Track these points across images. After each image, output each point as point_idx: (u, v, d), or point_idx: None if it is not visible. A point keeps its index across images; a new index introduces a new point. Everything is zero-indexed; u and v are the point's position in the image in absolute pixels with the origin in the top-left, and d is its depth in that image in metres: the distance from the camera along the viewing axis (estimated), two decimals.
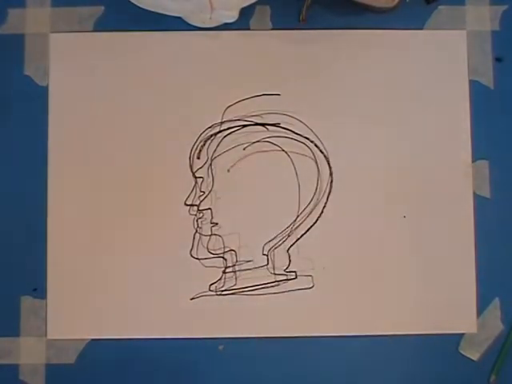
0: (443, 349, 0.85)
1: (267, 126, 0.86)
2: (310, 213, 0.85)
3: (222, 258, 0.85)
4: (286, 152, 0.86)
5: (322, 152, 0.86)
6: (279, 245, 0.85)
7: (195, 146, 0.86)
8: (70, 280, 0.85)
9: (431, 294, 0.85)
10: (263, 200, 0.85)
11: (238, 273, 0.85)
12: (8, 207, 0.86)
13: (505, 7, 0.89)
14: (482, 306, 0.85)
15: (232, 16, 0.84)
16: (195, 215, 0.85)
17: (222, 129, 0.86)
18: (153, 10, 0.84)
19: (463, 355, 0.85)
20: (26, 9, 0.88)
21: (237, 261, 0.85)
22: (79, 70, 0.88)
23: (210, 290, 0.85)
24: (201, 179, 0.86)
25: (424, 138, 0.87)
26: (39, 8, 0.88)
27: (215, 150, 0.86)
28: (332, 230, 0.86)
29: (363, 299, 0.85)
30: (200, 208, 0.85)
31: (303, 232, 0.85)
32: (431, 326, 0.85)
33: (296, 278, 0.85)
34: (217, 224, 0.85)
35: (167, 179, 0.86)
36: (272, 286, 0.85)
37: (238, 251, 0.85)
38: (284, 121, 0.86)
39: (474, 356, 0.85)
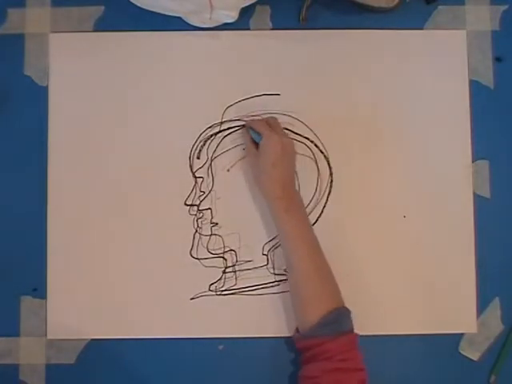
0: (443, 349, 0.85)
1: None
2: (310, 213, 0.85)
3: (222, 257, 0.85)
4: None
5: (322, 152, 0.86)
6: (279, 245, 0.85)
7: (195, 146, 0.86)
8: (70, 280, 0.85)
9: (431, 294, 0.85)
10: (263, 200, 0.85)
11: (238, 273, 0.85)
12: (8, 208, 0.86)
13: (505, 7, 0.89)
14: (482, 306, 0.85)
15: (232, 16, 0.84)
16: (195, 215, 0.85)
17: (221, 129, 0.86)
18: (153, 9, 0.84)
19: (463, 355, 0.85)
20: (26, 9, 0.88)
21: (237, 261, 0.85)
22: (79, 70, 0.88)
23: (209, 290, 0.85)
24: (201, 179, 0.86)
25: (424, 138, 0.87)
26: (39, 8, 0.88)
27: (215, 150, 0.86)
28: (332, 230, 0.85)
29: (363, 299, 0.85)
30: (200, 208, 0.85)
31: None
32: (431, 326, 0.85)
33: None
34: (217, 224, 0.85)
35: (167, 179, 0.86)
36: (272, 286, 0.85)
37: (238, 251, 0.85)
38: (284, 121, 0.86)
39: (474, 356, 0.85)
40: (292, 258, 0.79)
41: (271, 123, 0.83)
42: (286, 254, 0.80)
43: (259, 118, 0.86)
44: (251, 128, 0.84)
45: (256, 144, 0.83)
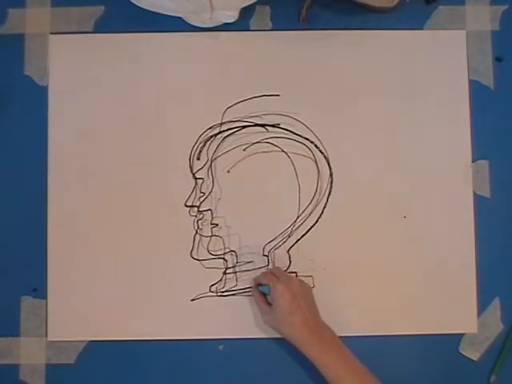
0: (443, 349, 0.85)
1: (267, 127, 0.86)
2: (311, 213, 0.85)
3: (223, 259, 0.85)
4: (286, 153, 0.86)
5: (321, 152, 0.86)
6: (280, 245, 0.85)
7: (195, 147, 0.86)
8: (70, 280, 0.85)
9: (431, 294, 0.85)
10: (263, 201, 0.85)
11: (238, 274, 0.85)
12: (8, 208, 0.86)
13: (505, 7, 0.89)
14: (482, 305, 0.85)
15: (232, 16, 0.84)
16: (195, 216, 0.85)
17: (221, 130, 0.86)
18: (153, 10, 0.83)
19: (463, 355, 0.85)
20: (26, 9, 0.88)
21: (237, 262, 0.85)
22: (79, 70, 0.88)
23: (210, 291, 0.85)
24: (201, 180, 0.86)
25: (424, 138, 0.87)
26: (39, 8, 0.88)
27: (215, 151, 0.86)
28: (332, 230, 0.86)
29: (363, 300, 0.85)
30: (200, 209, 0.85)
31: (304, 233, 0.86)
32: (432, 326, 0.85)
33: None
34: (217, 225, 0.85)
35: (167, 180, 0.86)
36: None
37: (239, 252, 0.85)
38: (284, 121, 0.86)
39: (474, 356, 0.85)
40: None
41: (275, 272, 0.82)
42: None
43: (264, 270, 0.85)
44: (257, 284, 0.83)
45: (266, 300, 0.82)
